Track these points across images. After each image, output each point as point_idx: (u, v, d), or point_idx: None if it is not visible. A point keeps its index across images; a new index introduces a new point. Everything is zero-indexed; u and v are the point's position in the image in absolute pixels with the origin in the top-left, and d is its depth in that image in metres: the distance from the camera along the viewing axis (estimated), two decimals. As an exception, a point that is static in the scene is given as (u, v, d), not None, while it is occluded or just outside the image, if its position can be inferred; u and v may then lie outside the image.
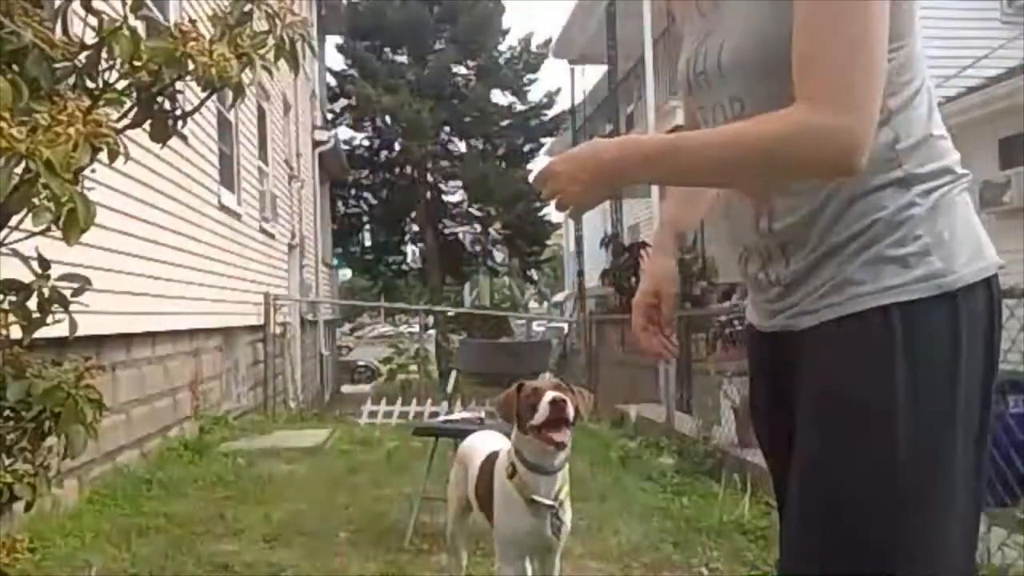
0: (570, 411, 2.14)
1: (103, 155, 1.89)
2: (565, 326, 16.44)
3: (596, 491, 4.46)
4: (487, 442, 2.58)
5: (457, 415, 3.96)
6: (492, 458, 2.42)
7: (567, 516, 2.29)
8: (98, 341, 4.44)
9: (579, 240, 14.69)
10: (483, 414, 3.91)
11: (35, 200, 2.00)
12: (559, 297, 25.17)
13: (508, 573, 2.29)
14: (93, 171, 2.15)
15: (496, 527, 2.33)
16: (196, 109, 2.12)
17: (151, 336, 5.50)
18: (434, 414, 7.32)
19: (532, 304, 28.78)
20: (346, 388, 16.48)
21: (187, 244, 6.38)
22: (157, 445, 5.52)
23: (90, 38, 1.91)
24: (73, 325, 2.16)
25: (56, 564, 3.19)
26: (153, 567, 3.13)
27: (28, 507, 2.24)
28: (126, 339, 5.03)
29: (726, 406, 5.34)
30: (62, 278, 2.20)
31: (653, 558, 3.33)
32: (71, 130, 1.63)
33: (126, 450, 4.98)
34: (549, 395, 2.15)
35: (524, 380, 2.36)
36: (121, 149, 1.81)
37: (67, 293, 2.19)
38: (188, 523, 3.86)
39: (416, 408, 8.64)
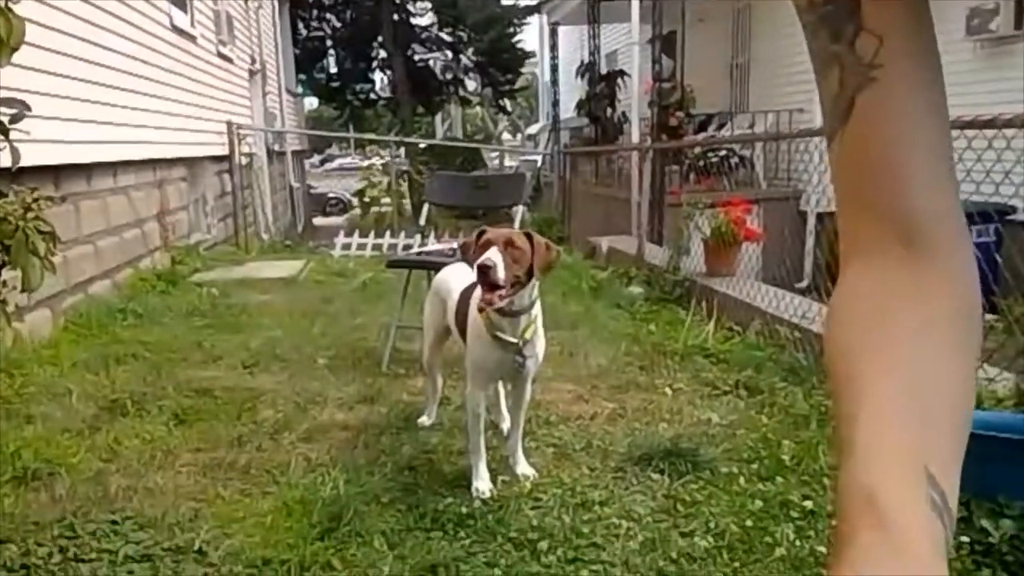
0: (499, 276, 2.14)
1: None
2: (539, 159, 16.21)
3: (567, 319, 4.57)
4: (463, 274, 2.61)
5: (431, 247, 3.96)
6: (470, 289, 2.48)
7: (538, 348, 2.40)
8: (54, 172, 4.28)
9: (554, 69, 14.10)
10: (455, 246, 3.91)
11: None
12: (533, 129, 24.60)
13: (477, 395, 2.45)
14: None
15: (468, 355, 2.47)
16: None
17: (111, 166, 5.32)
18: (407, 247, 7.33)
19: (505, 136, 28.18)
20: (318, 220, 16.40)
21: (140, 69, 6.03)
22: (128, 276, 5.50)
23: None
24: (16, 154, 2.05)
25: (37, 390, 3.25)
26: (133, 393, 3.19)
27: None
28: (85, 169, 4.86)
29: (696, 237, 5.40)
30: (-2, 103, 2.05)
31: (620, 380, 3.47)
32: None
33: (97, 280, 4.96)
34: (481, 258, 2.15)
35: (491, 224, 2.34)
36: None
37: (4, 120, 2.05)
38: (166, 351, 3.91)
39: (390, 240, 8.65)
